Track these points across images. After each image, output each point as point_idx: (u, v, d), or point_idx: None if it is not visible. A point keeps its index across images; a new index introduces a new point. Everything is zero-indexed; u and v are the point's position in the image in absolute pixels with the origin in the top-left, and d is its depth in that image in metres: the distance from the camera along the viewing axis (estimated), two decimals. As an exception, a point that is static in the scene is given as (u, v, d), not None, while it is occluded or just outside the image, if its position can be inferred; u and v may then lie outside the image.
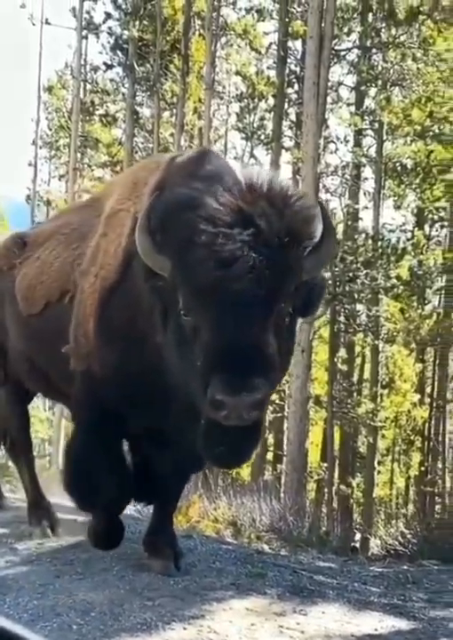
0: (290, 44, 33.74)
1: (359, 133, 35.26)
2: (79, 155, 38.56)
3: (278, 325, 4.89)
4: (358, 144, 35.01)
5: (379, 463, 39.08)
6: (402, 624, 5.80)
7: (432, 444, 37.35)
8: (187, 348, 4.90)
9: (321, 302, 5.61)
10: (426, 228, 36.86)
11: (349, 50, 31.77)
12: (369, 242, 28.52)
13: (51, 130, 46.19)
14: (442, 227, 38.28)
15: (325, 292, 6.27)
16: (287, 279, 4.88)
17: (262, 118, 38.34)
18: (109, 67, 38.48)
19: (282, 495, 17.63)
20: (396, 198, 35.07)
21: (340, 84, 34.26)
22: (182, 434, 5.81)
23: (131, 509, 12.38)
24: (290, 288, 4.91)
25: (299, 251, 4.97)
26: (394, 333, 30.88)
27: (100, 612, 5.65)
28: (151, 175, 6.22)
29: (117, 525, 6.99)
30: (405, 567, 8.89)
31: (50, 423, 37.84)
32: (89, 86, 39.88)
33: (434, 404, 38.45)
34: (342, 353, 36.26)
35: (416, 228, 35.19)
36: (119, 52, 37.56)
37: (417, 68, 29.85)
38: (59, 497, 8.19)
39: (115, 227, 6.33)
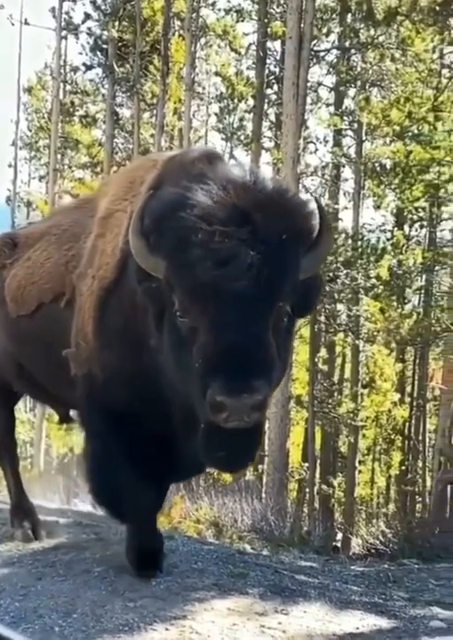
0: (269, 44, 33.78)
1: (338, 134, 35.35)
2: (59, 156, 38.44)
3: (277, 325, 4.80)
4: (337, 144, 35.07)
5: (360, 462, 39.19)
6: (383, 622, 5.83)
7: (412, 443, 37.56)
8: (184, 351, 4.79)
9: (318, 301, 5.55)
10: (406, 227, 37.03)
11: (328, 50, 31.79)
12: (349, 242, 28.57)
13: (30, 131, 46.18)
14: (422, 226, 38.54)
15: (322, 290, 6.21)
16: (286, 278, 4.78)
17: (242, 119, 38.36)
18: (89, 67, 38.39)
19: (263, 495, 17.68)
20: (376, 198, 35.17)
21: (320, 84, 34.34)
22: (184, 437, 5.63)
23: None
24: (288, 287, 4.81)
25: (297, 248, 4.87)
26: (374, 333, 30.93)
27: (82, 613, 5.64)
28: (147, 174, 6.13)
29: (157, 539, 6.66)
30: (386, 566, 8.93)
31: (31, 425, 37.70)
32: (68, 87, 39.78)
33: (414, 404, 38.69)
34: (323, 353, 36.34)
35: (395, 228, 35.31)
36: (99, 53, 37.48)
37: (396, 69, 29.96)
38: (41, 499, 8.19)
39: (112, 227, 6.21)
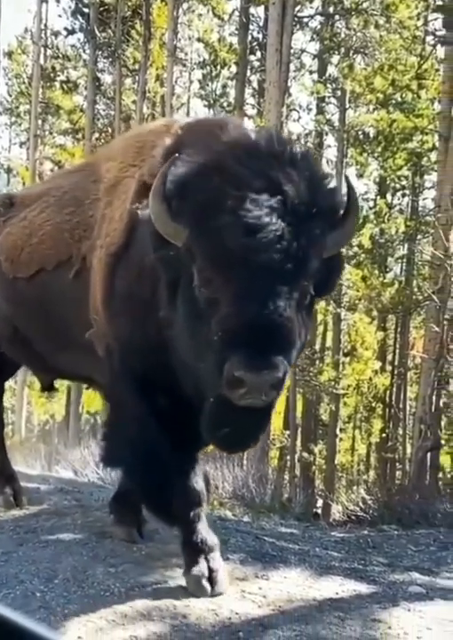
0: (252, 10, 33.55)
1: (321, 101, 35.30)
2: (40, 121, 38.22)
3: (300, 303, 4.57)
4: (321, 112, 35.07)
5: (341, 430, 39.47)
6: (363, 588, 5.87)
7: (393, 411, 37.79)
8: (201, 323, 4.55)
9: (338, 282, 5.28)
10: (388, 196, 37.09)
11: (312, 17, 31.62)
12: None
13: (11, 96, 45.68)
14: (404, 195, 38.60)
15: (343, 271, 5.90)
16: (314, 253, 4.54)
17: (224, 86, 38.21)
18: (70, 32, 38.08)
19: (244, 462, 17.74)
20: (359, 167, 35.20)
21: (303, 51, 34.22)
22: (193, 412, 5.37)
23: (93, 477, 12.44)
24: (315, 263, 4.57)
25: (325, 224, 4.63)
26: (356, 301, 31.06)
27: (64, 579, 5.66)
28: (159, 139, 5.87)
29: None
30: (366, 532, 8.98)
31: (13, 392, 37.65)
32: (49, 52, 39.44)
33: (395, 372, 38.89)
34: (304, 321, 36.34)
35: (378, 197, 35.35)
36: (80, 17, 37.16)
37: (380, 36, 29.84)
38: (22, 466, 8.19)
39: (120, 194, 5.98)
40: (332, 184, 4.87)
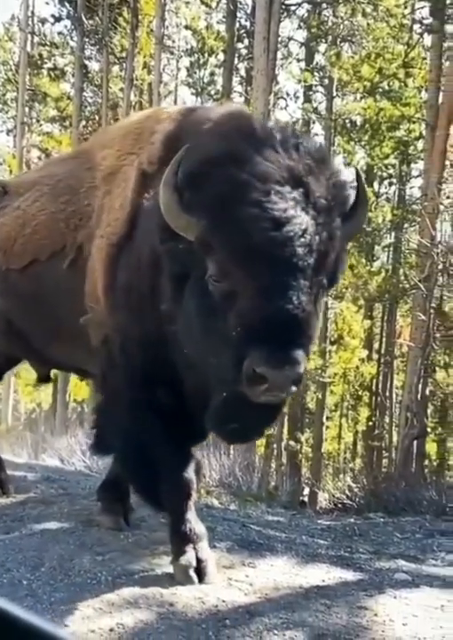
0: (239, -3, 33.46)
1: (309, 89, 35.26)
2: (27, 109, 38.06)
3: (316, 296, 4.50)
4: (308, 100, 35.02)
5: (328, 418, 39.53)
6: (349, 575, 5.89)
7: (379, 399, 37.90)
8: (214, 317, 4.44)
9: (342, 275, 5.14)
10: (375, 184, 37.06)
11: (299, 4, 31.52)
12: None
13: (-3, 83, 45.40)
14: (391, 184, 38.62)
15: (347, 264, 5.72)
16: (333, 246, 4.47)
17: (212, 73, 38.09)
18: (57, 19, 37.83)
19: (231, 451, 17.75)
20: (346, 155, 35.15)
21: (290, 39, 34.14)
22: (194, 406, 5.37)
23: (80, 465, 12.45)
24: (332, 256, 4.49)
25: (340, 217, 4.55)
26: (343, 290, 31.07)
27: (50, 567, 5.66)
28: (159, 125, 5.78)
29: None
30: (352, 520, 9.03)
31: (-1, 380, 37.53)
32: (37, 39, 39.24)
33: (382, 360, 38.98)
34: (291, 309, 36.36)
35: (365, 185, 35.36)
36: (67, 4, 36.91)
37: (367, 24, 29.83)
38: (9, 454, 8.18)
39: (119, 182, 5.86)
40: (344, 176, 4.74)
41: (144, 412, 5.55)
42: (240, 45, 35.13)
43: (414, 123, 30.83)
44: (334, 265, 4.59)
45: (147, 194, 5.49)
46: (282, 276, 4.23)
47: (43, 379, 8.05)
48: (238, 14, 33.78)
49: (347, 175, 4.75)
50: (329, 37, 31.24)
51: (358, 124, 34.30)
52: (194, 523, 5.59)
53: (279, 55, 28.81)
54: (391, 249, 36.69)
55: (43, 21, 39.44)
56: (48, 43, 39.30)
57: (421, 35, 28.70)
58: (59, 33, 39.44)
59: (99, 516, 6.64)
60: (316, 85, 35.60)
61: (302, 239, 4.24)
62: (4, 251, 6.84)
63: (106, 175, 6.08)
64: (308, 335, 4.37)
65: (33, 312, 6.70)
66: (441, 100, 22.89)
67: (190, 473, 5.62)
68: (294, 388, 4.35)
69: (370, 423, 37.88)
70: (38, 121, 40.87)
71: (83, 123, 36.56)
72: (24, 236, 6.66)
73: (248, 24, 33.68)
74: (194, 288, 4.61)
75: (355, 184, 4.83)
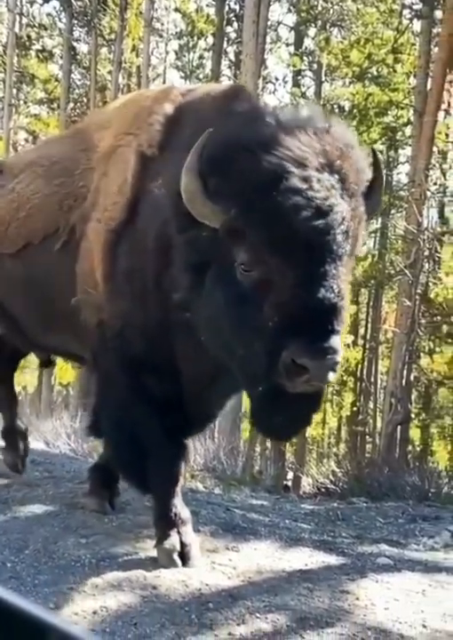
0: (229, -20, 33.33)
1: (298, 74, 35.16)
2: (15, 90, 37.82)
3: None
4: (296, 85, 34.93)
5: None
6: (332, 559, 5.93)
7: (364, 385, 38.00)
8: (245, 307, 4.31)
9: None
10: (363, 170, 37.00)
11: (289, -12, 31.49)
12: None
13: (-15, 64, 45.09)
14: (379, 169, 38.56)
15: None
16: (360, 230, 4.41)
17: (201, 57, 38.01)
18: (46, 0, 37.59)
19: (216, 435, 17.80)
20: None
21: (280, 23, 34.05)
22: (193, 395, 5.43)
23: (65, 448, 12.46)
24: (359, 241, 4.44)
25: (363, 199, 4.44)
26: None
27: (34, 549, 5.68)
28: (157, 106, 5.62)
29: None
30: (335, 504, 9.08)
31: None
32: (25, 20, 38.97)
33: (367, 346, 39.07)
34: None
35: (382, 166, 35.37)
36: (56, -15, 36.70)
37: (357, 9, 29.80)
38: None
39: (117, 163, 5.71)
40: (367, 158, 4.62)
41: (137, 396, 5.55)
42: (229, 29, 35.02)
43: (402, 109, 30.81)
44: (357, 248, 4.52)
45: (148, 178, 5.37)
46: (321, 265, 4.11)
47: (44, 363, 8.12)
48: (228, -3, 33.67)
49: (366, 156, 4.63)
50: (319, 22, 31.14)
51: (346, 109, 34.24)
52: (180, 507, 5.61)
53: (268, 39, 28.73)
54: (377, 234, 36.71)
55: (31, 2, 39.22)
56: (36, 24, 39.02)
57: (410, 20, 28.69)
58: (48, 14, 39.29)
59: (85, 497, 6.65)
60: (305, 70, 35.54)
61: (342, 227, 4.15)
62: None
63: (102, 156, 5.95)
64: (344, 321, 4.27)
65: (25, 297, 6.62)
66: (429, 86, 22.87)
67: (179, 458, 5.64)
68: (334, 375, 4.26)
69: (355, 408, 38.00)
70: (26, 103, 40.61)
71: (71, 105, 36.39)
72: (18, 220, 6.54)
73: (237, 7, 33.55)
74: (217, 277, 4.48)
75: (372, 164, 4.68)
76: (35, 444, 13.39)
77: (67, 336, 6.34)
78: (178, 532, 5.50)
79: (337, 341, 4.08)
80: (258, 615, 4.74)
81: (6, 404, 8.10)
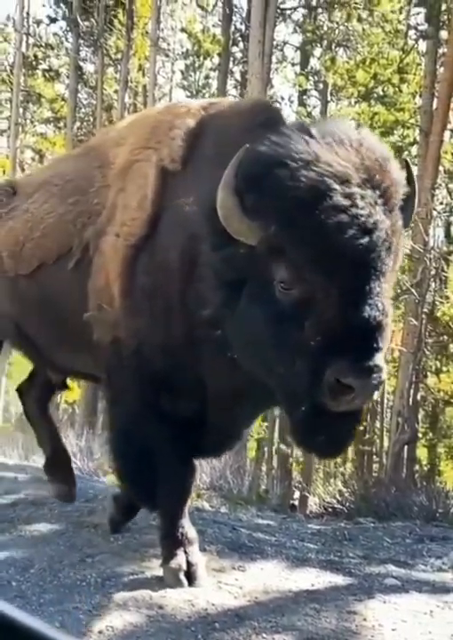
0: (235, 1, 33.51)
1: (303, 93, 35.27)
2: (21, 110, 37.97)
3: None
4: (302, 104, 34.98)
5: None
6: (339, 580, 5.90)
7: (371, 404, 37.85)
8: (284, 325, 4.21)
9: None
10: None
11: (295, 9, 31.60)
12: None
13: (-8, 84, 45.30)
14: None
15: None
16: (401, 246, 4.37)
17: (207, 76, 38.13)
18: (53, 20, 37.77)
19: (222, 454, 17.81)
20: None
21: (285, 43, 34.18)
22: (218, 418, 5.35)
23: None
24: (400, 255, 4.36)
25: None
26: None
27: (40, 568, 5.67)
28: (178, 119, 5.56)
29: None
30: (342, 524, 9.03)
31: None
32: (32, 40, 39.14)
33: (374, 365, 38.94)
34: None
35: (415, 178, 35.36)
36: (63, 5, 36.88)
37: (363, 29, 29.87)
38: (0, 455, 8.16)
39: (135, 179, 5.61)
40: (401, 169, 4.49)
41: (150, 413, 5.48)
42: (235, 49, 35.14)
43: (408, 128, 30.84)
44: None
45: (170, 193, 5.33)
46: (366, 282, 4.05)
47: (60, 386, 7.88)
48: (234, 18, 33.79)
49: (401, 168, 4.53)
50: (325, 42, 31.23)
51: (352, 128, 34.32)
52: (187, 527, 5.58)
53: (274, 59, 28.90)
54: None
55: (38, 22, 39.34)
56: (43, 44, 39.19)
57: (416, 41, 28.78)
58: (55, 34, 39.38)
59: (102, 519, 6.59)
60: (311, 90, 35.66)
61: (386, 243, 4.11)
62: (13, 256, 6.63)
63: (118, 171, 5.85)
64: (388, 338, 4.19)
65: (41, 317, 6.51)
66: (435, 105, 22.92)
67: (189, 477, 5.62)
68: (377, 392, 4.27)
69: (361, 428, 37.90)
70: (32, 122, 40.79)
71: (78, 124, 36.51)
72: (32, 240, 6.45)
73: (243, 27, 33.66)
74: (254, 294, 4.39)
75: (406, 177, 4.55)
76: (40, 462, 13.39)
77: (83, 355, 6.18)
78: (185, 552, 5.47)
79: (381, 359, 4.04)
80: (264, 635, 4.71)
81: (47, 436, 7.85)
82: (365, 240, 4.01)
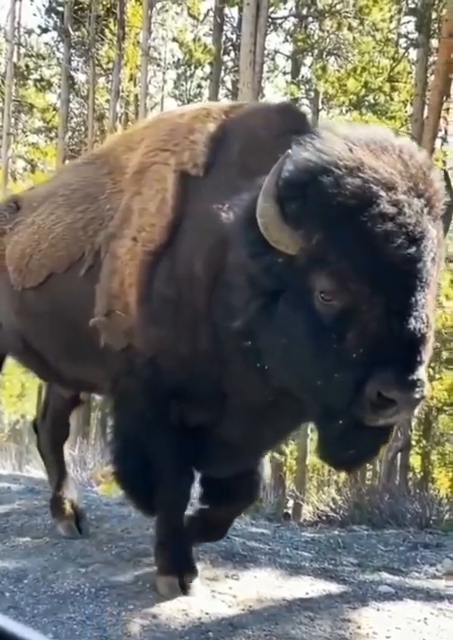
0: (226, 10, 33.52)
1: (295, 102, 35.27)
2: (13, 119, 37.95)
3: None
4: (294, 113, 35.00)
5: (312, 431, 39.44)
6: (333, 587, 5.90)
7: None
8: (324, 336, 4.10)
9: None
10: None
11: (285, 18, 31.66)
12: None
13: (-17, 94, 45.30)
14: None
15: None
16: (443, 256, 4.27)
17: (199, 86, 38.09)
18: (44, 30, 37.74)
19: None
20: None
21: (276, 52, 34.23)
22: (234, 433, 5.23)
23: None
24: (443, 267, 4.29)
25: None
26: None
27: (34, 578, 5.66)
28: (198, 122, 5.45)
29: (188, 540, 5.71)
30: (336, 532, 9.03)
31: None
32: (23, 50, 39.17)
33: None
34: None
35: None
36: (54, 16, 36.89)
37: (353, 38, 29.95)
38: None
39: (151, 182, 5.45)
40: (440, 178, 4.37)
41: (159, 424, 5.34)
42: (226, 58, 35.18)
43: (400, 136, 30.97)
44: None
45: (191, 199, 5.23)
46: (412, 294, 3.96)
47: (73, 402, 7.59)
48: (225, 27, 33.87)
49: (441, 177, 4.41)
50: (315, 51, 31.32)
51: (344, 137, 34.37)
52: (183, 536, 5.56)
53: (265, 68, 28.91)
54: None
55: (29, 32, 39.30)
56: (34, 54, 39.20)
57: (406, 49, 28.84)
58: (46, 44, 39.32)
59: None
60: (302, 98, 35.69)
61: (431, 253, 4.03)
62: (20, 270, 6.46)
63: (133, 174, 5.70)
64: (430, 351, 4.10)
65: (51, 329, 6.29)
66: (426, 114, 22.99)
67: (189, 487, 5.56)
68: (419, 406, 4.15)
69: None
70: (24, 132, 40.79)
71: (69, 134, 36.52)
72: (40, 252, 6.27)
73: (234, 37, 33.76)
74: (291, 304, 4.28)
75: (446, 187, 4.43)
76: (34, 472, 13.41)
77: (96, 366, 5.89)
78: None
79: (423, 373, 3.96)
80: (258, 644, 4.71)
81: (55, 471, 7.49)
82: (412, 250, 3.94)
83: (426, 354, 3.99)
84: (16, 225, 6.73)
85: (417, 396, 3.94)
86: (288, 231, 4.17)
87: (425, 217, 4.03)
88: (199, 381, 5.12)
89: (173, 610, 5.10)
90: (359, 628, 5.06)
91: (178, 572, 5.40)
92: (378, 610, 5.41)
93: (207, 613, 5.11)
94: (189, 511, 5.93)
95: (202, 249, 4.98)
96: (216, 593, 5.50)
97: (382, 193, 3.95)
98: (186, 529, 5.70)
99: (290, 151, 4.30)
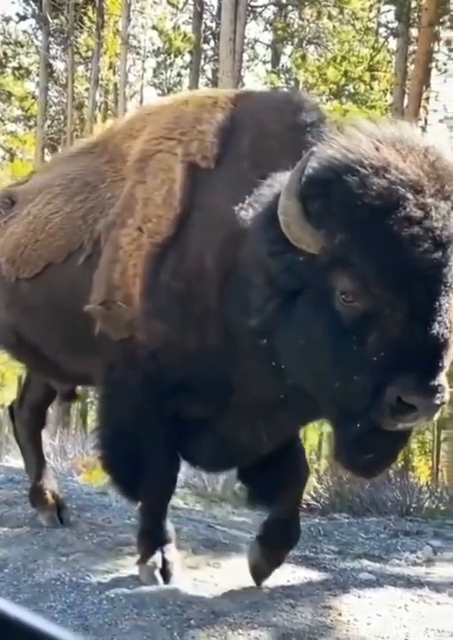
0: (206, -1, 33.51)
1: (275, 91, 35.28)
2: (-9, 108, 37.79)
3: None
4: (274, 102, 35.01)
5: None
6: (314, 575, 5.92)
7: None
8: (343, 338, 4.01)
9: None
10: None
11: (265, 6, 31.67)
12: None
13: (-39, 82, 45.01)
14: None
15: None
16: None
17: (178, 74, 38.00)
18: (22, 18, 37.58)
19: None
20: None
21: (256, 41, 34.26)
22: (235, 430, 5.14)
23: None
24: None
25: None
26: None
27: (14, 568, 5.64)
28: (204, 111, 5.33)
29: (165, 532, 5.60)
30: (317, 520, 9.07)
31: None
32: (1, 38, 38.95)
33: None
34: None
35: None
36: (32, 3, 36.70)
37: (333, 27, 29.99)
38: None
39: (156, 171, 5.31)
40: None
41: (151, 416, 5.25)
42: (206, 47, 35.15)
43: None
44: None
45: (201, 192, 5.12)
46: (435, 298, 3.85)
47: (66, 397, 7.40)
48: (204, 15, 33.83)
49: None
50: (295, 39, 31.34)
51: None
52: (165, 525, 5.53)
53: (245, 57, 28.96)
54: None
55: (7, 20, 39.12)
56: (12, 41, 39.00)
57: (386, 39, 28.94)
58: (24, 31, 39.23)
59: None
60: (282, 87, 35.66)
61: None
62: (13, 260, 6.25)
63: (134, 162, 5.54)
64: (451, 357, 3.98)
65: (48, 321, 6.08)
66: (406, 103, 23.05)
67: (175, 476, 5.52)
68: (439, 411, 4.05)
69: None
70: (2, 120, 40.62)
71: (48, 122, 36.38)
72: (37, 242, 6.06)
73: (214, 25, 33.71)
74: (311, 304, 4.18)
75: None
76: (13, 461, 13.35)
77: (96, 356, 5.70)
78: (161, 550, 5.42)
79: (444, 379, 3.89)
80: (240, 631, 4.71)
81: (34, 462, 7.36)
82: (438, 254, 3.84)
83: (448, 359, 3.93)
84: (11, 218, 6.56)
85: (438, 401, 3.87)
86: (310, 230, 4.06)
87: (451, 220, 3.91)
88: (203, 376, 5.02)
89: (154, 598, 5.09)
90: (340, 614, 5.07)
91: (160, 560, 5.38)
92: (359, 597, 5.43)
93: (188, 601, 5.09)
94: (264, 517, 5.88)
95: (213, 243, 4.87)
96: (198, 581, 5.50)
97: (409, 195, 3.85)
98: (263, 538, 5.58)
99: (314, 148, 4.23)
